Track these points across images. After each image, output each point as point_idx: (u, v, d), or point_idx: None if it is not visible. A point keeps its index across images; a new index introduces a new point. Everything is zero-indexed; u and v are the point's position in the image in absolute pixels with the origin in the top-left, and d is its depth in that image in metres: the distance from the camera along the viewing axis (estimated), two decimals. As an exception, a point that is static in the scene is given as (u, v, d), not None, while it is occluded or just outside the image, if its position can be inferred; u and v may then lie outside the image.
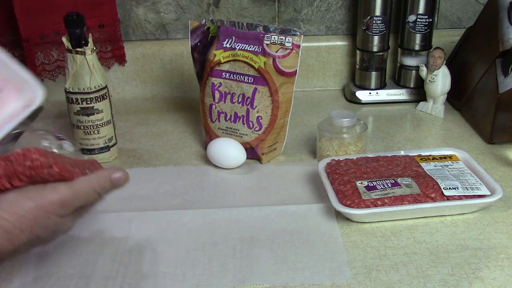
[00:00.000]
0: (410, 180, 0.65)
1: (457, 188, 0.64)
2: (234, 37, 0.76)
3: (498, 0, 0.83)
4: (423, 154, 0.73)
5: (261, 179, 0.75)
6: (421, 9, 0.95)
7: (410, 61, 1.00)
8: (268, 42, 0.74)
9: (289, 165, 0.78)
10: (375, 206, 0.62)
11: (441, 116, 0.93)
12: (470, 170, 0.69)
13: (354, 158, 0.72)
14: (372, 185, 0.64)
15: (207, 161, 0.79)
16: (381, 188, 0.64)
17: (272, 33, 0.75)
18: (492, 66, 0.82)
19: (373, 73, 1.01)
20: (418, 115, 0.95)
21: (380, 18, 0.95)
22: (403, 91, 1.01)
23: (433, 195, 0.64)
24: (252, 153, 0.78)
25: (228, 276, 0.56)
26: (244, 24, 0.78)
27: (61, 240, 0.62)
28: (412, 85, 1.01)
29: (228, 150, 0.76)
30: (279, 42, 0.74)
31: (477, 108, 0.87)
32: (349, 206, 0.62)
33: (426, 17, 0.95)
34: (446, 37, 1.04)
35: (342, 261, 0.58)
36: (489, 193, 0.65)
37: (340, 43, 1.05)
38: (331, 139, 0.75)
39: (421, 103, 0.96)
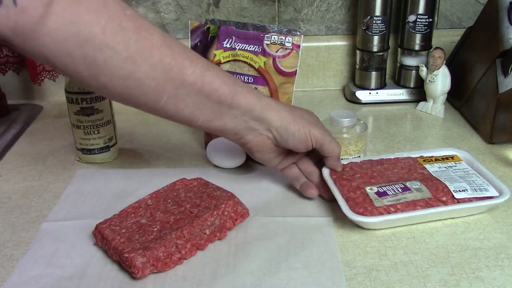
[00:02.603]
0: (419, 183, 0.64)
1: (467, 190, 0.64)
2: (234, 37, 0.76)
3: (498, 0, 0.83)
4: (424, 155, 0.73)
5: (261, 179, 0.75)
6: (421, 9, 0.95)
7: (410, 61, 1.00)
8: (268, 42, 0.74)
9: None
10: (388, 213, 0.61)
11: (441, 116, 0.93)
12: (474, 171, 0.69)
13: (358, 162, 0.71)
14: (383, 190, 0.63)
15: (207, 161, 0.79)
16: (392, 193, 0.63)
17: (272, 33, 0.75)
18: (492, 66, 0.82)
19: (373, 73, 1.01)
20: (418, 115, 0.95)
21: (380, 18, 0.95)
22: (403, 91, 1.01)
23: (444, 198, 0.63)
24: (252, 153, 0.78)
25: (227, 277, 0.56)
26: (244, 24, 0.78)
27: (55, 241, 0.62)
28: (412, 85, 1.01)
29: (228, 150, 0.76)
30: (279, 42, 0.74)
31: (477, 108, 0.87)
32: (362, 214, 0.61)
33: (426, 17, 0.95)
34: (446, 37, 1.04)
35: (337, 265, 0.58)
36: (497, 194, 0.64)
37: (340, 43, 1.05)
38: (331, 139, 0.75)
39: (421, 103, 0.96)
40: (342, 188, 0.65)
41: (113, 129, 0.81)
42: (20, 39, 0.48)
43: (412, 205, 0.62)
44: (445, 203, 0.62)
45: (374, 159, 0.72)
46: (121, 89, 0.54)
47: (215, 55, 0.78)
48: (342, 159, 0.75)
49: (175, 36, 1.05)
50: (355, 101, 1.01)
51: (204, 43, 0.79)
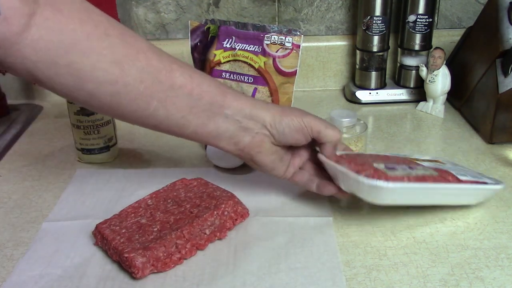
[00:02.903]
0: (423, 166, 0.63)
1: (467, 176, 0.64)
2: (234, 37, 0.77)
3: (498, 0, 0.83)
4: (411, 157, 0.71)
5: (261, 179, 0.75)
6: (421, 9, 0.95)
7: (410, 61, 1.00)
8: (268, 42, 0.74)
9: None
10: (405, 180, 0.57)
11: (441, 116, 0.93)
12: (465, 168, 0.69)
13: (355, 154, 0.69)
14: (391, 166, 0.61)
15: (207, 161, 0.79)
16: (401, 169, 0.60)
17: (272, 33, 0.75)
18: (492, 66, 0.82)
19: (373, 73, 1.01)
20: (418, 115, 0.95)
21: (380, 18, 0.95)
22: (403, 91, 1.01)
23: (450, 178, 0.62)
24: (252, 153, 0.78)
25: (227, 277, 0.56)
26: (244, 24, 0.78)
27: (55, 241, 0.62)
28: (412, 85, 1.01)
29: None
30: (279, 42, 0.74)
31: (477, 108, 0.87)
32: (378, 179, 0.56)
33: (426, 17, 0.95)
34: (446, 37, 1.04)
35: (337, 265, 0.58)
36: (495, 182, 0.65)
37: (340, 43, 1.05)
38: (331, 139, 0.75)
39: (421, 103, 0.96)
40: (348, 165, 0.60)
41: (113, 129, 0.81)
42: (1, 51, 0.47)
43: (423, 179, 0.59)
44: (451, 182, 0.61)
45: (368, 153, 0.70)
46: (109, 96, 0.53)
47: (215, 55, 0.78)
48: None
49: (175, 36, 1.05)
50: (355, 101, 1.01)
51: (204, 43, 0.79)
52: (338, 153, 0.65)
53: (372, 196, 0.58)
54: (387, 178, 0.56)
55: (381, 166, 0.60)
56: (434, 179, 0.60)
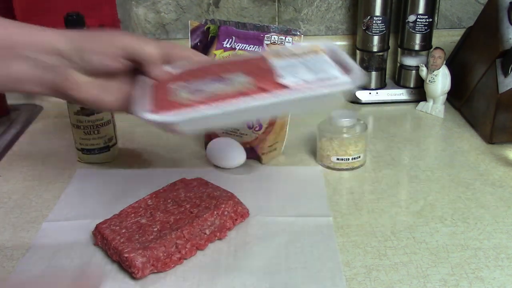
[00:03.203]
0: (242, 75, 0.52)
1: (301, 77, 0.51)
2: (234, 37, 0.77)
3: (498, 0, 0.83)
4: (282, 51, 0.58)
5: (261, 179, 0.75)
6: (421, 9, 0.95)
7: (410, 61, 1.00)
8: (268, 42, 0.74)
9: (289, 165, 0.78)
10: (180, 108, 0.48)
11: (441, 116, 0.93)
12: (334, 63, 0.54)
13: (195, 68, 0.56)
14: (194, 88, 0.51)
15: (207, 161, 0.78)
16: (207, 87, 0.51)
17: (272, 33, 0.75)
18: (492, 66, 0.82)
19: (373, 73, 1.01)
20: (418, 115, 0.95)
21: (380, 18, 0.95)
22: (403, 91, 1.01)
23: (267, 87, 0.50)
24: (252, 153, 0.78)
25: (227, 277, 0.56)
26: (244, 24, 0.78)
27: (55, 241, 0.62)
28: (412, 85, 1.01)
29: (228, 150, 0.76)
30: (279, 42, 0.74)
31: (477, 108, 0.87)
32: (150, 111, 0.48)
33: (426, 17, 0.95)
34: (446, 37, 1.04)
35: (337, 265, 0.58)
36: (348, 80, 0.51)
37: (340, 43, 1.05)
38: (331, 139, 0.75)
39: (421, 103, 0.96)
40: (153, 90, 0.53)
41: (113, 129, 0.80)
42: None
43: (218, 98, 0.49)
44: (266, 91, 0.50)
45: (204, 61, 0.59)
46: None
47: (215, 55, 0.78)
48: (342, 159, 0.75)
49: (175, 36, 1.05)
50: (355, 101, 1.01)
51: (204, 43, 0.79)
52: (170, 69, 0.55)
53: (158, 127, 0.50)
54: (165, 110, 0.48)
55: (179, 85, 0.52)
56: (240, 94, 0.49)
